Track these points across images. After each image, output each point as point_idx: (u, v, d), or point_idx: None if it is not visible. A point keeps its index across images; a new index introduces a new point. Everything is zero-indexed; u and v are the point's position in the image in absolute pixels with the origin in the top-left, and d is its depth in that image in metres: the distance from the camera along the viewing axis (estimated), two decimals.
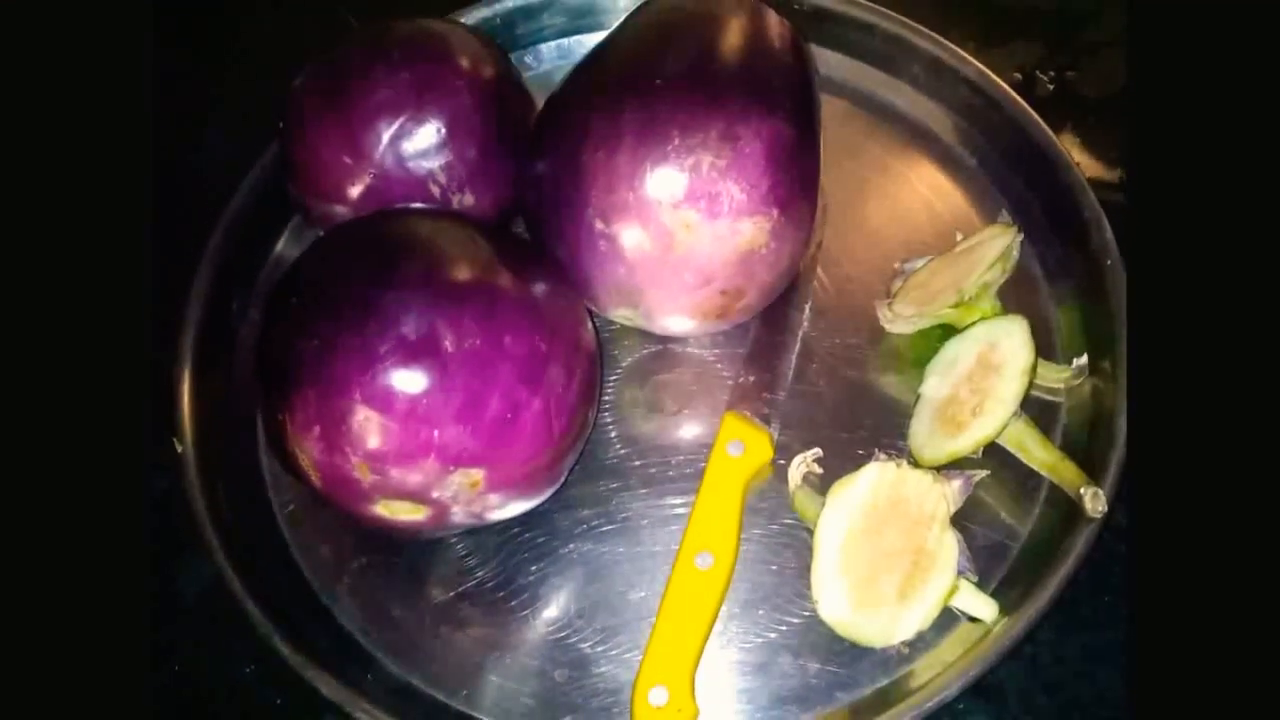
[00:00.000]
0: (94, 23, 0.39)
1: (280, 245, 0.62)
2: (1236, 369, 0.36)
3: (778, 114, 0.49)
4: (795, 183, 0.50)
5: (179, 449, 0.53)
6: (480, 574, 0.53)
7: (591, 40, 0.66)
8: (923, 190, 0.62)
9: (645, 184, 0.48)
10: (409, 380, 0.43)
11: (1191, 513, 0.36)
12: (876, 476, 0.49)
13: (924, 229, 0.60)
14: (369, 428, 0.43)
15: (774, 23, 0.53)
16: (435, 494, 0.45)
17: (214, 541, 0.50)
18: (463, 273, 0.46)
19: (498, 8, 0.65)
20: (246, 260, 0.60)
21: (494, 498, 0.47)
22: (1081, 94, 0.66)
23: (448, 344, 0.44)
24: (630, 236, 0.49)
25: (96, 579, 0.36)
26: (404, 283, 0.44)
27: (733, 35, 0.51)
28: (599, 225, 0.49)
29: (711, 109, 0.48)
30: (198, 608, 0.53)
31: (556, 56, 0.67)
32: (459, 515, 0.47)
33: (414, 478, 0.44)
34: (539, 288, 0.47)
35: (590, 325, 0.50)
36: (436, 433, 0.43)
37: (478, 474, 0.45)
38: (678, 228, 0.48)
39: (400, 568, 0.53)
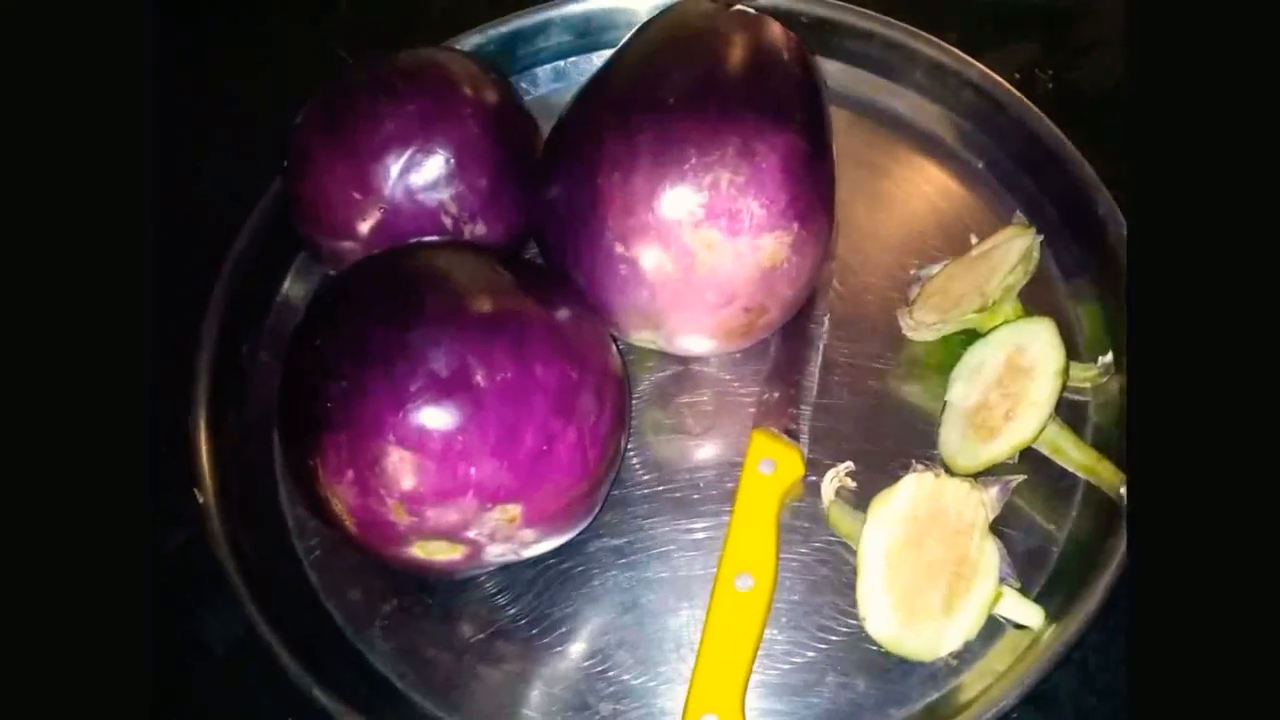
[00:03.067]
0: (90, 66, 0.38)
1: (286, 286, 0.61)
2: (1238, 370, 0.35)
3: (792, 126, 0.49)
4: (813, 195, 0.49)
5: (200, 499, 0.51)
6: (514, 610, 0.52)
7: (588, 61, 0.66)
8: (932, 196, 0.61)
9: (665, 205, 0.47)
10: (443, 418, 0.42)
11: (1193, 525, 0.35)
12: (915, 488, 0.49)
13: (936, 234, 0.60)
14: (404, 469, 0.42)
15: (780, 34, 0.52)
16: (473, 532, 0.44)
17: (243, 591, 0.49)
18: (488, 304, 0.45)
19: (491, 34, 0.64)
20: (253, 303, 0.59)
21: (531, 532, 0.46)
22: (1082, 90, 0.66)
23: (479, 378, 0.43)
24: (651, 258, 0.48)
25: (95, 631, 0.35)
26: (430, 318, 0.43)
27: (741, 49, 0.50)
28: (619, 249, 0.48)
29: (727, 125, 0.48)
30: (228, 660, 0.52)
31: (553, 79, 0.67)
32: (496, 552, 0.46)
33: (451, 517, 0.43)
34: (564, 315, 0.47)
35: (616, 350, 0.49)
36: (473, 470, 0.43)
37: (515, 509, 0.44)
38: (699, 247, 0.48)
39: (433, 608, 0.52)
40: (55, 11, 0.38)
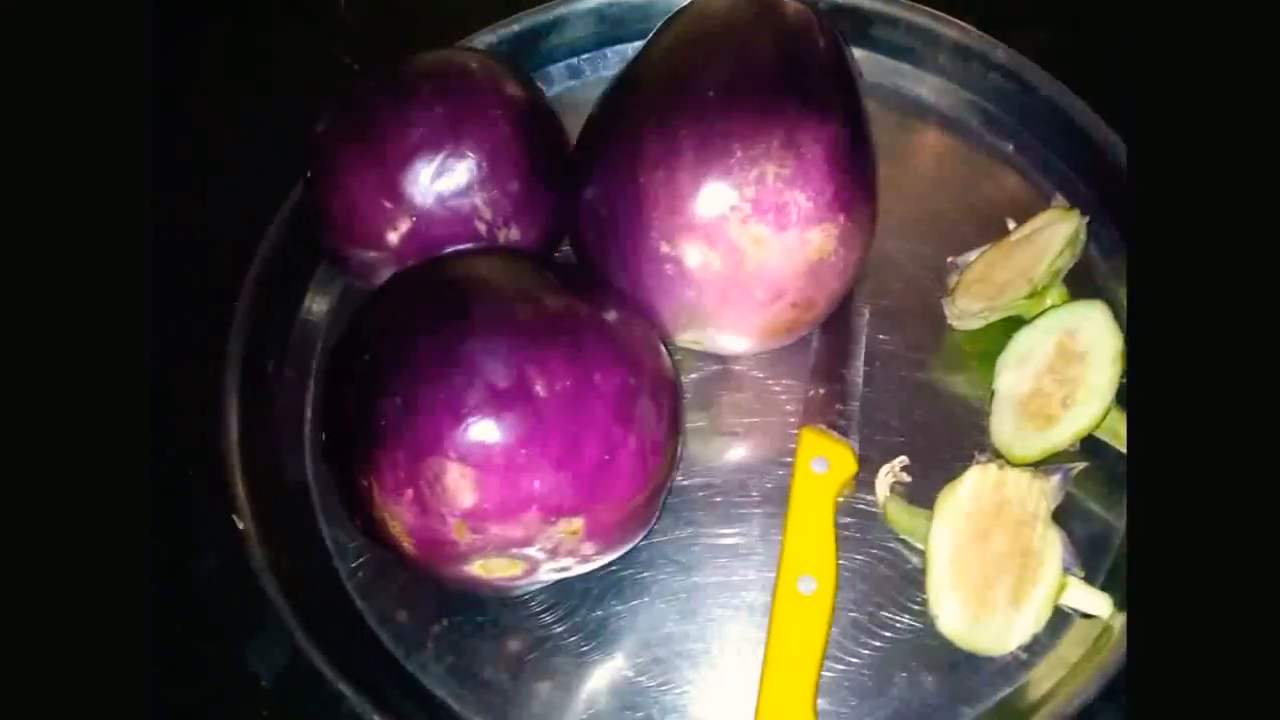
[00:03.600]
0: (89, 83, 0.37)
1: (307, 301, 0.59)
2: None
3: (833, 115, 0.48)
4: (857, 185, 0.48)
5: (240, 525, 0.49)
6: (567, 624, 0.50)
7: (602, 57, 0.65)
8: (962, 181, 0.60)
9: (711, 201, 0.46)
10: (504, 431, 0.41)
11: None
12: (978, 480, 0.48)
13: (970, 221, 0.59)
14: (466, 485, 0.41)
15: (812, 21, 0.51)
16: (535, 547, 0.43)
17: (291, 619, 0.47)
18: (541, 311, 0.43)
19: (503, 32, 0.62)
20: (277, 321, 0.57)
21: (592, 545, 0.44)
22: (1105, 69, 0.64)
23: (539, 388, 0.41)
24: (698, 257, 0.47)
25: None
26: (483, 327, 0.42)
27: (777, 38, 0.49)
28: (664, 248, 0.47)
29: (770, 116, 0.46)
30: (278, 690, 0.50)
31: (568, 77, 0.65)
32: (556, 566, 0.45)
33: (515, 533, 0.42)
34: (615, 319, 0.45)
35: (666, 352, 0.48)
36: (537, 483, 0.41)
37: (578, 522, 0.43)
38: (747, 243, 0.46)
39: (485, 626, 0.50)
40: (54, 25, 0.37)
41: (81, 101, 0.37)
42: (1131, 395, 0.38)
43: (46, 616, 0.33)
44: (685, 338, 0.51)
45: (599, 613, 0.50)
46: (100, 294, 0.36)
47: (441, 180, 0.49)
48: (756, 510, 0.52)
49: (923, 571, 0.50)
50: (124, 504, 0.35)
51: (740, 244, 0.46)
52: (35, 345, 0.35)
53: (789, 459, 0.53)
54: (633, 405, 0.43)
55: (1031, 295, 0.52)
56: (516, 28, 0.63)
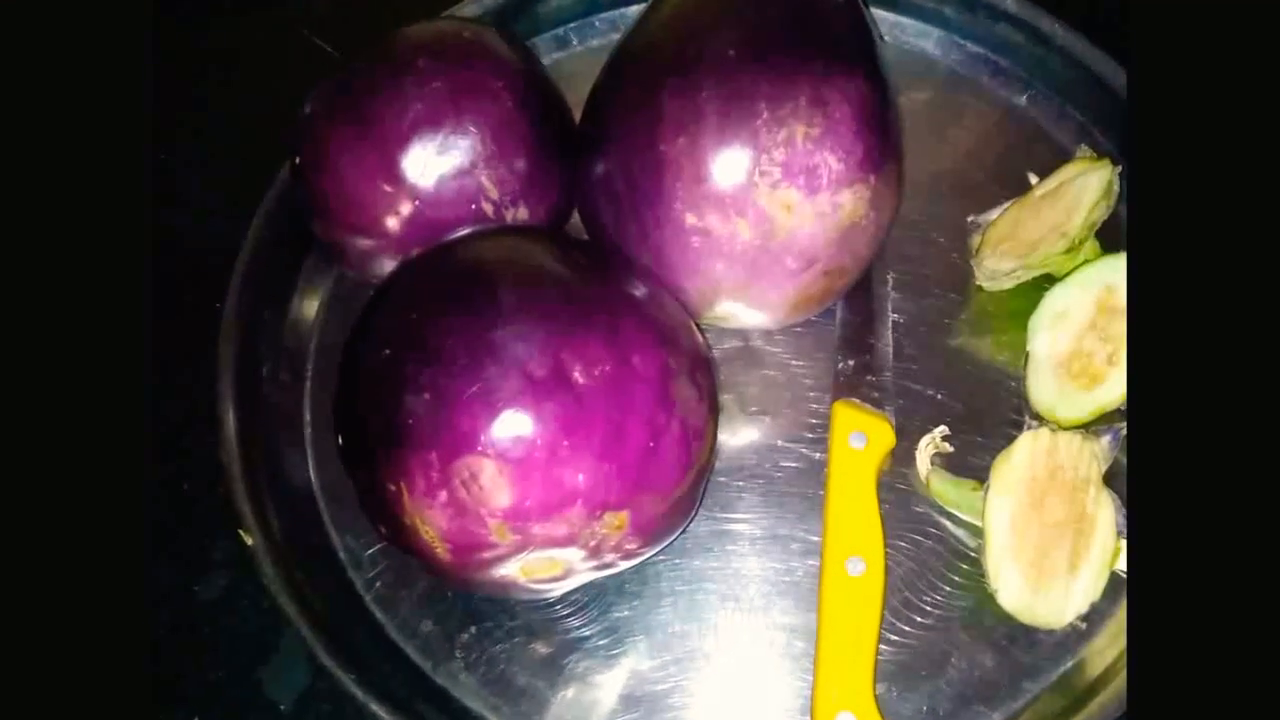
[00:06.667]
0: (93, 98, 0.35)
1: (295, 301, 0.55)
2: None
3: (858, 70, 0.45)
4: (885, 143, 0.46)
5: (249, 542, 0.46)
6: (603, 623, 0.48)
7: (590, 26, 0.62)
8: (975, 137, 0.58)
9: (739, 166, 0.43)
10: (544, 422, 0.38)
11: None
12: (1030, 447, 0.46)
13: (987, 178, 0.56)
14: (504, 483, 0.38)
15: None
16: (579, 545, 0.40)
17: (312, 638, 0.44)
18: (571, 292, 0.40)
19: (488, 3, 0.59)
20: (265, 323, 0.53)
21: (636, 539, 0.41)
22: (1116, 13, 0.62)
23: (577, 375, 0.38)
24: (727, 227, 0.44)
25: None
26: (514, 312, 0.39)
27: None
28: (690, 220, 0.44)
29: (795, 74, 0.44)
30: (297, 714, 0.47)
31: (555, 48, 0.61)
32: (599, 563, 0.42)
33: (559, 530, 0.39)
34: (646, 297, 0.42)
35: (697, 329, 0.45)
36: (581, 476, 0.38)
37: (624, 515, 0.40)
38: (777, 210, 0.44)
39: (515, 631, 0.47)
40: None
41: (81, 108, 0.35)
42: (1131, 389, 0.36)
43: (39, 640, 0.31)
44: (712, 314, 0.48)
45: (627, 611, 0.48)
46: (101, 303, 0.34)
47: (444, 159, 0.46)
48: (791, 492, 0.50)
49: (968, 545, 0.48)
50: (121, 524, 0.33)
51: (770, 211, 0.44)
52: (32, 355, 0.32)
53: (819, 437, 0.50)
54: (674, 388, 0.41)
55: (1068, 250, 0.50)
56: None
